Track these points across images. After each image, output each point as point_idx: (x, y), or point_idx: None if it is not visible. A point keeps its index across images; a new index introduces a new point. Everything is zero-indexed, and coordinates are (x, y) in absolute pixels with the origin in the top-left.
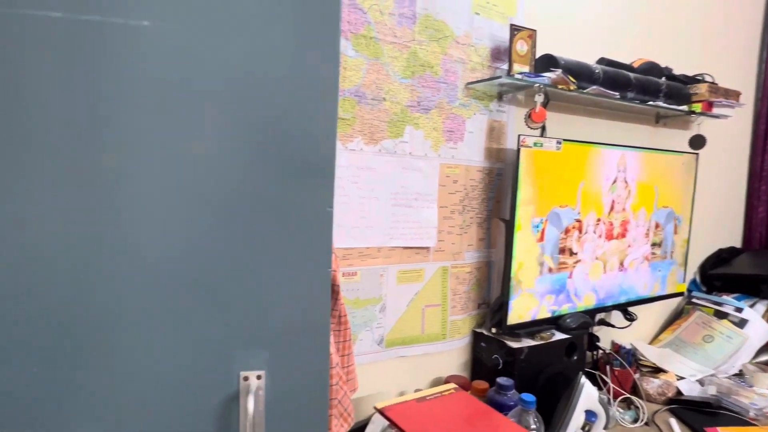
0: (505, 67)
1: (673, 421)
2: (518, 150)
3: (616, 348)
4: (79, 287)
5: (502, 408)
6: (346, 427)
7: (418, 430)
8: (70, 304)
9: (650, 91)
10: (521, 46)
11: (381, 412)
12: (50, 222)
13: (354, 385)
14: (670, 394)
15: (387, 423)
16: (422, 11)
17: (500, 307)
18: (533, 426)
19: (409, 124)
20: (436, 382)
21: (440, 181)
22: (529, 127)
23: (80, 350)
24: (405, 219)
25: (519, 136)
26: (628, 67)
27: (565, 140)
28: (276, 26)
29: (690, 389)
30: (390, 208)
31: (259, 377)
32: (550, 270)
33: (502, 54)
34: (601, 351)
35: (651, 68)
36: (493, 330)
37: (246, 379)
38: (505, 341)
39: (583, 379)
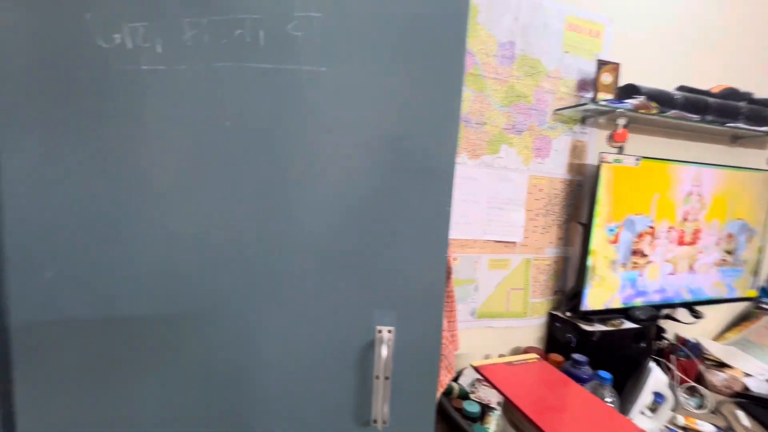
0: (590, 95)
1: (741, 414)
2: (599, 165)
3: (682, 341)
4: (266, 258)
5: (576, 380)
6: (450, 378)
7: (508, 387)
8: (260, 266)
9: (729, 114)
10: (606, 78)
11: (476, 369)
12: (243, 208)
13: (457, 345)
14: (736, 389)
15: (477, 377)
16: (520, 52)
17: (574, 295)
18: (608, 399)
19: (504, 143)
20: (516, 351)
21: (528, 190)
22: (610, 145)
23: (263, 299)
24: (497, 219)
25: (600, 153)
26: (707, 93)
27: (644, 157)
28: (416, 68)
29: (758, 387)
30: (485, 210)
31: (389, 331)
32: (623, 268)
33: (587, 84)
34: (666, 341)
35: (730, 93)
36: (568, 314)
37: (380, 331)
38: (579, 324)
39: (652, 364)
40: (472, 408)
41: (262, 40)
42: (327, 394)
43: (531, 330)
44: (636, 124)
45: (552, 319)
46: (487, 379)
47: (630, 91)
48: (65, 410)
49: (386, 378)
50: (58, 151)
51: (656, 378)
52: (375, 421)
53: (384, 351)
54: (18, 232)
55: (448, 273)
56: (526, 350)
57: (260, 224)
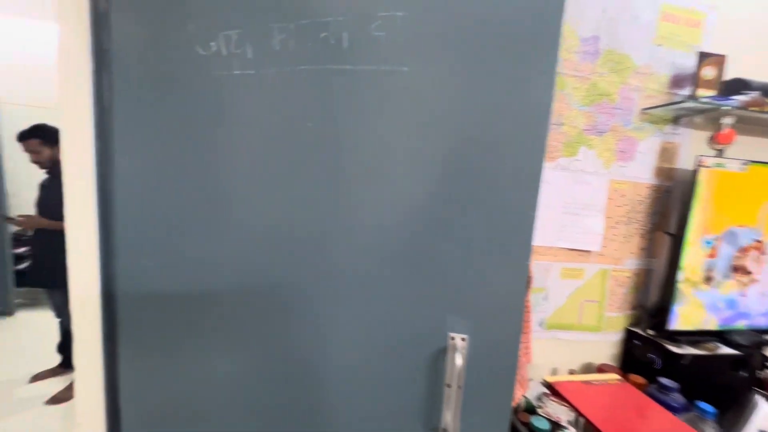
0: (686, 92)
1: None
2: (695, 170)
3: None
4: (342, 255)
5: (664, 408)
6: (522, 392)
7: (590, 409)
8: (335, 263)
9: None
10: (708, 72)
11: (550, 385)
12: (321, 207)
13: (530, 357)
14: None
15: (543, 390)
16: (605, 47)
17: (658, 312)
18: None
19: (583, 145)
20: (587, 367)
21: (608, 195)
22: (711, 148)
23: (337, 294)
24: (572, 225)
25: (697, 156)
26: None
27: (752, 162)
28: (505, 68)
29: None
30: (560, 216)
31: (463, 339)
32: (721, 285)
33: (682, 80)
34: None
35: None
36: (650, 332)
37: (453, 339)
38: (664, 344)
39: (759, 397)
40: (542, 425)
41: (346, 42)
42: (395, 396)
43: (605, 346)
44: (741, 124)
45: (630, 336)
46: (564, 399)
47: (738, 86)
48: (157, 368)
49: (459, 387)
50: (160, 152)
51: (765, 414)
52: (445, 430)
53: (458, 360)
54: (125, 225)
55: (528, 282)
56: (600, 368)
57: (337, 222)
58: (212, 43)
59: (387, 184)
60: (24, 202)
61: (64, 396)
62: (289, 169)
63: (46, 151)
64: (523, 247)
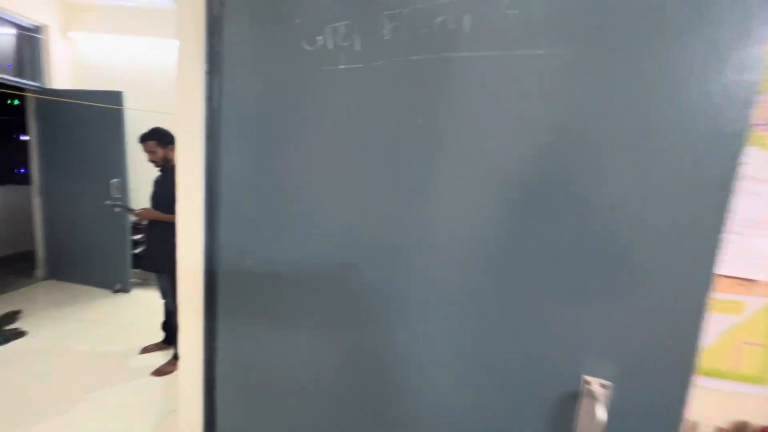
0: None
1: None
2: None
3: None
4: (447, 264)
5: None
6: None
7: None
8: (440, 272)
9: None
10: None
11: None
12: (430, 213)
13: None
14: None
15: None
16: None
17: None
18: None
19: (754, 145)
20: (741, 427)
21: None
22: None
23: (440, 309)
24: (731, 246)
25: None
26: None
27: None
28: (685, 43)
29: None
30: None
31: (603, 386)
32: None
33: None
34: None
35: None
36: None
37: (587, 383)
38: None
39: None
40: None
41: (468, 25)
42: None
43: None
44: None
45: None
46: None
47: None
48: (248, 342)
49: None
50: (262, 152)
51: None
52: None
53: (599, 411)
54: (228, 220)
55: None
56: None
57: (444, 227)
58: (319, 38)
59: (507, 187)
60: (142, 195)
61: (166, 369)
62: (395, 169)
63: (160, 151)
64: (703, 277)
